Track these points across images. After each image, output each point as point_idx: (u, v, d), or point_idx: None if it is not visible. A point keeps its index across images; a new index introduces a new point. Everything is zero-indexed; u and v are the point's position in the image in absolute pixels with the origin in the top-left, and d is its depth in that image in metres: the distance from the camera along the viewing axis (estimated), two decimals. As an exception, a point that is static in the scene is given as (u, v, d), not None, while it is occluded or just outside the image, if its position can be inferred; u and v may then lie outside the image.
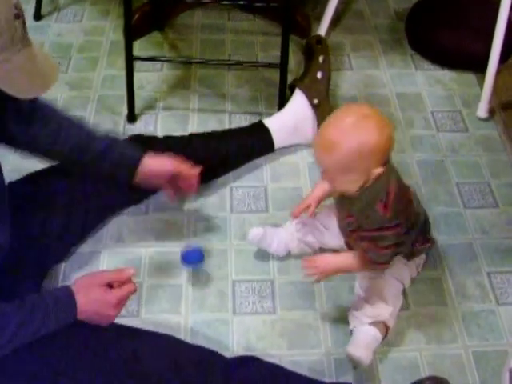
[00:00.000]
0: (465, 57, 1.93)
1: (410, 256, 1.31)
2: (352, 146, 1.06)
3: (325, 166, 1.12)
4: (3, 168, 1.12)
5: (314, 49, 1.72)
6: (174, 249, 1.46)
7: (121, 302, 1.10)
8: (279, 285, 1.41)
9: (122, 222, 1.51)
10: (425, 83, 1.93)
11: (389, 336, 1.28)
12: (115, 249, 1.46)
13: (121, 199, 1.48)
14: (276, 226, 1.47)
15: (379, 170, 1.10)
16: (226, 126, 1.75)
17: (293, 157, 1.69)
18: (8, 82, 0.91)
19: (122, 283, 1.11)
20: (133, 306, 1.35)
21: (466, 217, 1.55)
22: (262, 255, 1.46)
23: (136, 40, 1.97)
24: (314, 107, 1.65)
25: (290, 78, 1.73)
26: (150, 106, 1.82)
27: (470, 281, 1.43)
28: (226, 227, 1.52)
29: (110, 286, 1.11)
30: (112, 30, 2.09)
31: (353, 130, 1.07)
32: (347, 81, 1.92)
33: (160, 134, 1.71)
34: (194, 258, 1.39)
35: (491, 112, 1.81)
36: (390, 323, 1.27)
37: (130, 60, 1.69)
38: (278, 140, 1.66)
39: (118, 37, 2.03)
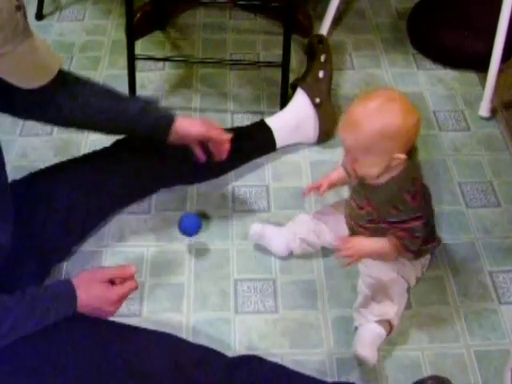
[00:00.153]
0: (467, 56, 1.93)
1: (417, 255, 1.31)
2: (375, 127, 1.09)
3: (348, 145, 1.15)
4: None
5: (315, 48, 1.72)
6: (175, 248, 1.46)
7: (121, 299, 1.10)
8: (281, 284, 1.41)
9: (123, 220, 1.52)
10: (427, 82, 1.92)
11: (391, 335, 1.28)
12: (117, 248, 1.46)
13: (121, 198, 1.48)
14: (278, 225, 1.46)
15: (401, 156, 1.11)
16: (228, 126, 1.75)
17: (294, 156, 1.69)
18: (12, 73, 0.92)
19: (124, 280, 1.12)
20: (135, 304, 1.35)
21: (469, 216, 1.55)
22: (264, 254, 1.45)
23: (138, 39, 1.97)
24: (316, 106, 1.65)
25: (291, 78, 1.73)
26: (152, 106, 1.82)
27: (472, 280, 1.42)
28: (227, 226, 1.52)
29: (112, 282, 1.11)
30: (114, 30, 2.09)
31: (377, 112, 1.10)
32: (349, 80, 1.92)
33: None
34: (190, 227, 1.41)
35: (493, 111, 1.81)
36: (395, 322, 1.27)
37: (131, 59, 1.69)
38: (280, 139, 1.66)
39: (120, 36, 2.03)
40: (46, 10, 2.12)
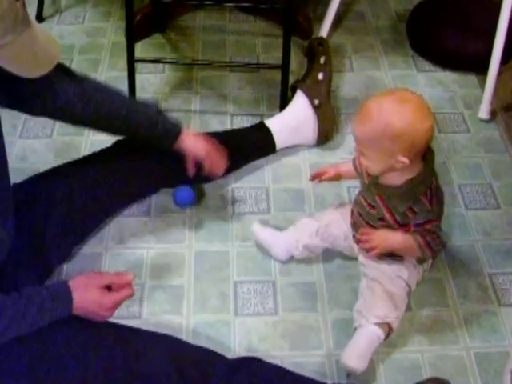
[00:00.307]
0: (466, 58, 1.93)
1: (421, 259, 1.31)
2: (379, 124, 1.10)
3: (356, 134, 1.17)
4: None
5: (315, 50, 1.73)
6: (175, 250, 1.46)
7: (116, 306, 1.12)
8: (281, 286, 1.41)
9: (123, 223, 1.52)
10: (426, 84, 1.93)
11: (391, 337, 1.28)
12: (117, 250, 1.46)
13: (121, 199, 1.48)
14: (279, 228, 1.46)
15: (404, 160, 1.12)
16: (228, 128, 1.76)
17: (294, 158, 1.69)
18: (14, 62, 0.92)
19: (121, 286, 1.13)
20: (134, 306, 1.35)
21: (468, 218, 1.55)
22: (264, 256, 1.46)
23: (138, 42, 1.97)
24: (315, 108, 1.65)
25: (291, 80, 1.74)
26: (152, 108, 1.82)
27: (471, 282, 1.42)
28: (227, 228, 1.52)
29: (109, 287, 1.12)
30: (114, 32, 2.09)
31: (386, 110, 1.11)
32: (348, 82, 1.93)
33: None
34: (185, 199, 1.52)
35: (493, 113, 1.81)
36: (395, 325, 1.26)
37: (131, 62, 1.69)
38: (280, 141, 1.66)
39: (120, 38, 2.03)
40: (46, 12, 2.13)
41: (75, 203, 1.32)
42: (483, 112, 1.80)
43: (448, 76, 1.96)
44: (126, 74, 1.71)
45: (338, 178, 1.39)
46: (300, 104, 1.66)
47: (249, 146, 1.65)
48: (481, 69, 1.85)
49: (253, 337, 1.32)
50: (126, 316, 1.31)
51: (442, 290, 1.41)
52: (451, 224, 1.53)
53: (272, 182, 1.63)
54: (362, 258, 1.36)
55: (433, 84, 1.93)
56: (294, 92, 1.70)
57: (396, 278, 1.29)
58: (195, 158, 1.40)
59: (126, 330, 1.15)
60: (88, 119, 1.28)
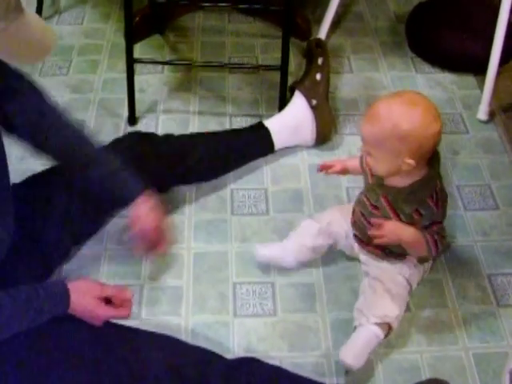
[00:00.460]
0: (465, 59, 1.94)
1: (423, 259, 1.32)
2: (387, 125, 1.11)
3: (364, 134, 1.17)
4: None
5: (313, 51, 1.73)
6: (174, 251, 1.46)
7: (107, 319, 1.12)
8: (280, 287, 1.41)
9: (122, 223, 1.51)
10: (425, 86, 1.93)
11: (390, 338, 1.28)
12: (116, 251, 1.46)
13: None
14: (278, 230, 1.46)
15: (410, 162, 1.12)
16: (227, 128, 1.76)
17: (293, 159, 1.69)
18: (7, 51, 0.91)
19: (122, 302, 1.14)
20: (133, 307, 1.34)
21: (467, 219, 1.55)
22: (263, 257, 1.46)
23: (137, 43, 1.97)
24: (313, 108, 1.65)
25: (290, 81, 1.74)
26: (151, 109, 1.82)
27: (470, 283, 1.43)
28: (226, 229, 1.52)
29: (109, 300, 1.13)
30: (113, 33, 2.09)
31: (395, 111, 1.11)
32: (347, 83, 1.93)
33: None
34: None
35: (491, 114, 1.82)
36: (394, 325, 1.26)
37: (130, 63, 1.69)
38: (279, 141, 1.66)
39: (119, 39, 2.03)
40: (45, 13, 2.13)
41: (75, 202, 1.32)
42: (482, 113, 1.80)
43: (447, 77, 1.96)
44: (125, 75, 1.71)
45: (344, 172, 1.39)
46: (298, 105, 1.66)
47: (248, 144, 1.65)
48: (480, 70, 1.85)
49: (252, 337, 1.32)
50: (124, 317, 1.31)
51: (440, 291, 1.41)
52: (450, 225, 1.53)
53: (271, 182, 1.63)
54: (363, 257, 1.36)
55: (432, 85, 1.93)
56: (292, 93, 1.71)
57: (397, 276, 1.30)
58: (142, 227, 1.27)
59: (125, 329, 1.15)
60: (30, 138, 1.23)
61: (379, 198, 1.24)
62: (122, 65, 1.83)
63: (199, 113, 1.82)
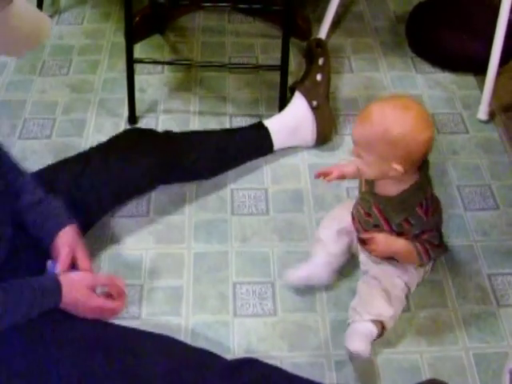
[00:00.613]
0: (465, 59, 1.93)
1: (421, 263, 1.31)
2: (379, 128, 1.11)
3: (354, 136, 1.17)
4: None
5: (314, 51, 1.73)
6: (174, 250, 1.46)
7: (100, 311, 1.13)
8: (280, 287, 1.41)
9: (122, 223, 1.52)
10: (425, 85, 1.93)
11: (390, 338, 1.28)
12: (116, 250, 1.46)
13: (119, 194, 1.48)
14: (278, 230, 1.46)
15: (398, 168, 1.12)
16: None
17: (293, 159, 1.69)
18: None
19: (119, 295, 1.15)
20: (133, 307, 1.35)
21: (467, 219, 1.55)
22: (263, 257, 1.46)
23: (137, 43, 1.97)
24: (313, 109, 1.65)
25: (290, 81, 1.74)
26: (151, 109, 1.82)
27: (470, 283, 1.42)
28: (226, 229, 1.52)
29: (109, 295, 1.14)
30: (113, 33, 2.09)
31: (388, 115, 1.11)
32: (348, 83, 1.93)
33: (161, 136, 1.71)
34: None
35: (492, 114, 1.82)
36: (388, 325, 1.26)
37: (130, 62, 1.69)
38: (278, 141, 1.66)
39: (119, 39, 2.03)
40: (45, 12, 2.13)
41: (75, 202, 1.32)
42: (482, 113, 1.80)
43: (447, 77, 1.96)
44: (125, 74, 1.71)
45: (341, 178, 1.38)
46: (298, 105, 1.66)
47: (247, 143, 1.65)
48: (480, 70, 1.85)
49: (252, 337, 1.32)
50: (125, 316, 1.31)
51: (440, 291, 1.41)
52: (450, 225, 1.53)
53: (271, 182, 1.63)
54: (362, 257, 1.36)
55: (432, 85, 1.93)
56: (292, 93, 1.71)
57: (396, 278, 1.30)
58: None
59: (124, 329, 1.15)
60: None
61: (371, 207, 1.24)
62: (122, 65, 1.84)
63: (199, 113, 1.82)
